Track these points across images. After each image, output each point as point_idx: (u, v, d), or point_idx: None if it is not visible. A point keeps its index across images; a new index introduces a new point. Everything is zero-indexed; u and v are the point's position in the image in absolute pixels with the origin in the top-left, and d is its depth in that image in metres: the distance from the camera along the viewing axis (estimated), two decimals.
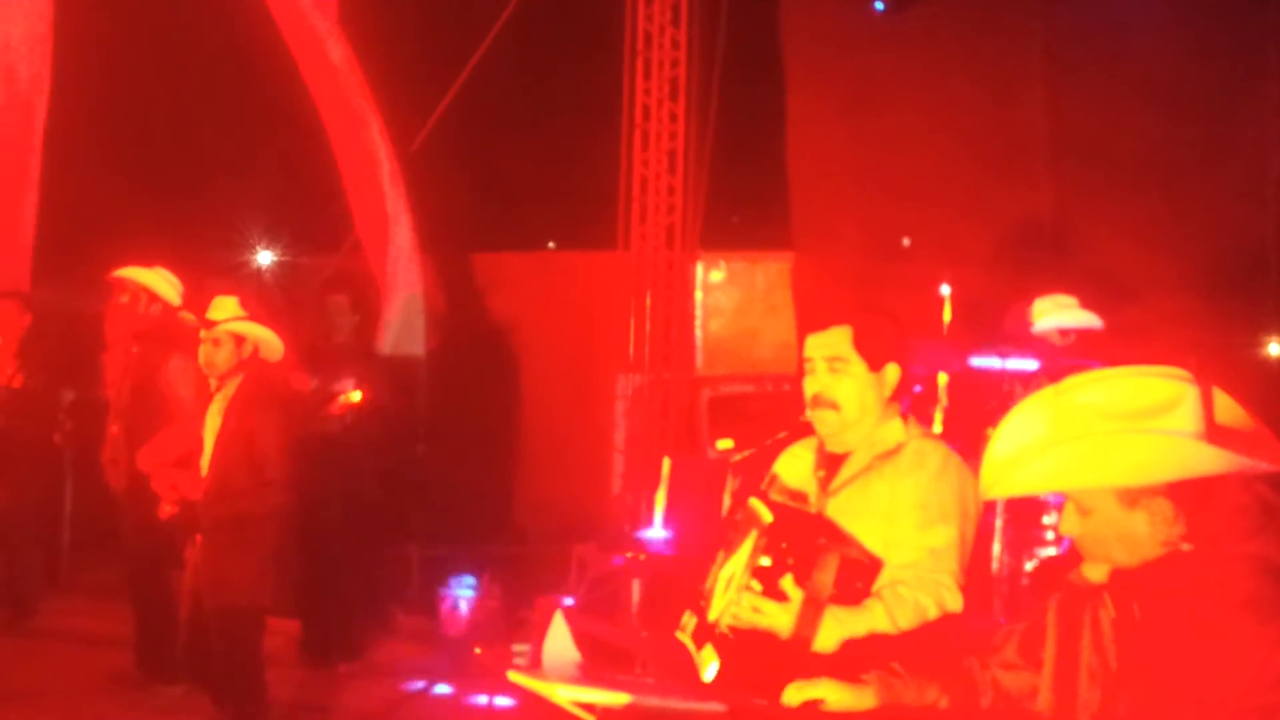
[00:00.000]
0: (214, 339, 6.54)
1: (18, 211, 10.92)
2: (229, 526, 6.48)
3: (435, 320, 10.74)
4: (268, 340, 6.63)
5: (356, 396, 8.60)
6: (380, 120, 10.80)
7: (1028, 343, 7.74)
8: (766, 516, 3.73)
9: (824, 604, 3.63)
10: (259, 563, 6.52)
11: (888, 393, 3.91)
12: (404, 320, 10.33)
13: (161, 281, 8.01)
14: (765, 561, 3.65)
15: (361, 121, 10.74)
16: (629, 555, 8.38)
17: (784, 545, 3.65)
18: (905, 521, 3.78)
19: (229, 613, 6.50)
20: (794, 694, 3.38)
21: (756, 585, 3.64)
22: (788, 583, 3.62)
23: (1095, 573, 2.90)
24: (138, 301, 8.01)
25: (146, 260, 8.15)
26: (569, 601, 8.00)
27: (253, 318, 6.60)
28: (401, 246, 10.73)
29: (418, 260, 10.53)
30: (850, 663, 3.49)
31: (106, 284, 8.71)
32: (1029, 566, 7.07)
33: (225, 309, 6.56)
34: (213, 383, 6.64)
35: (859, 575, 3.72)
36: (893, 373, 3.91)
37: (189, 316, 7.84)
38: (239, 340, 6.54)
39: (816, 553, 3.66)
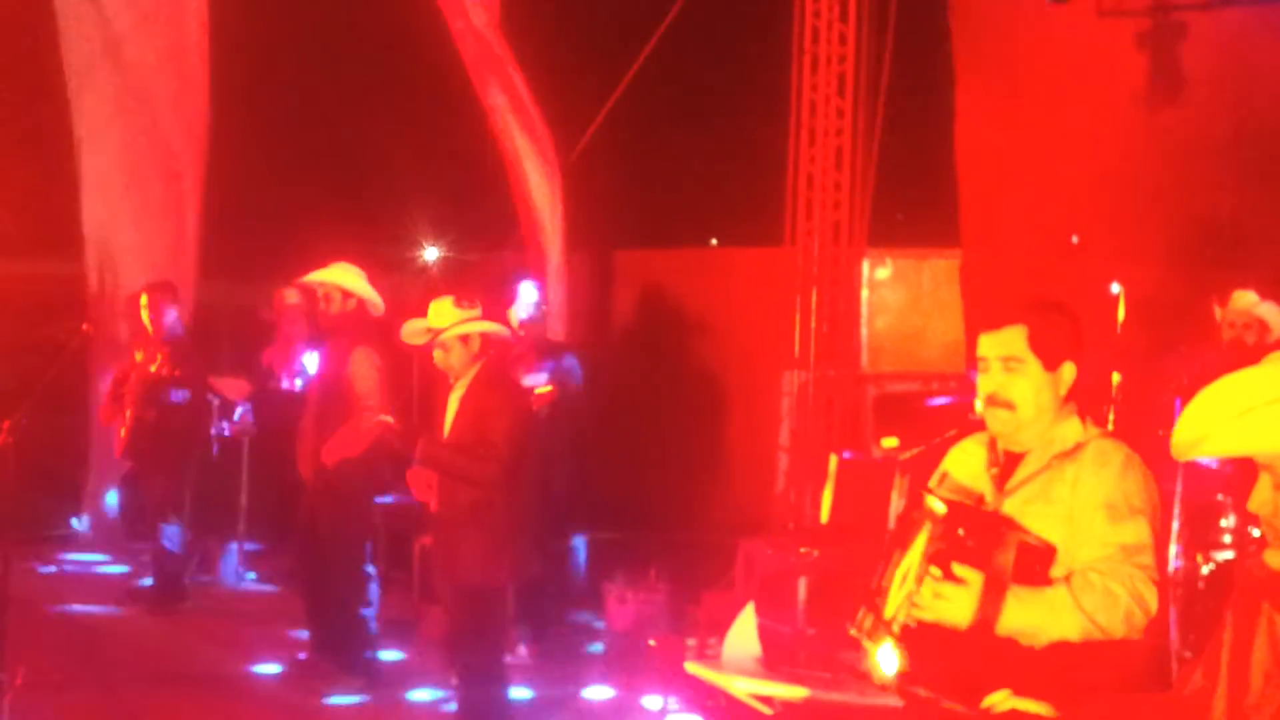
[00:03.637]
0: (443, 345, 6.54)
1: (183, 208, 11.22)
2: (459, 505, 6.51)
3: (575, 313, 10.88)
4: (493, 331, 6.66)
5: (547, 389, 8.61)
6: (540, 116, 10.96)
7: (1214, 340, 7.54)
8: (941, 509, 3.70)
9: (1006, 585, 3.56)
10: (490, 542, 6.48)
11: (1064, 392, 3.87)
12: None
13: (355, 278, 7.95)
14: (942, 549, 3.62)
15: (523, 117, 10.94)
16: (798, 552, 8.35)
17: (961, 531, 3.63)
18: (1091, 520, 3.70)
19: (462, 591, 6.56)
20: (1001, 701, 3.34)
21: (936, 571, 3.61)
22: (967, 568, 3.58)
23: (1277, 559, 2.81)
24: (332, 301, 7.93)
25: (321, 259, 8.05)
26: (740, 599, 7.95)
27: (471, 311, 6.59)
28: (553, 239, 10.91)
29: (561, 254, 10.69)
30: (1044, 667, 3.42)
31: (297, 288, 8.72)
32: (1206, 570, 6.90)
33: (445, 313, 6.55)
34: (452, 379, 6.66)
35: (1037, 559, 3.64)
36: (1069, 372, 3.87)
37: (378, 306, 7.93)
38: (466, 340, 6.55)
39: (995, 534, 3.62)
